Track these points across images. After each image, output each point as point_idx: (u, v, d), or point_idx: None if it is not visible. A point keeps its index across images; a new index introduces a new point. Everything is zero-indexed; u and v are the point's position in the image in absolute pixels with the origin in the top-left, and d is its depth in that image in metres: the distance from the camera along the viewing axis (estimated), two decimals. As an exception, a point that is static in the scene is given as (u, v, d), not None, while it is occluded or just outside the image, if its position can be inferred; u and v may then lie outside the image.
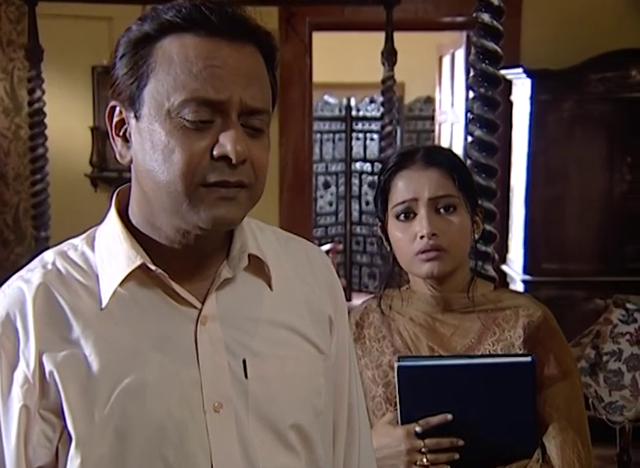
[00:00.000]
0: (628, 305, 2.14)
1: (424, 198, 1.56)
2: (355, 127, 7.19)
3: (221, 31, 0.96)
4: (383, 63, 3.75)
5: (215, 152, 0.96)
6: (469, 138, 2.06)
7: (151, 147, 0.97)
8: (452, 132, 5.17)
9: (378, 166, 7.09)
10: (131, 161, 1.02)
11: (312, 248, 1.22)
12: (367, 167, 7.20)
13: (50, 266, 1.04)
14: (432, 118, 6.36)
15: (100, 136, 4.69)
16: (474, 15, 1.99)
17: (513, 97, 4.38)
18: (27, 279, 1.03)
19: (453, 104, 5.18)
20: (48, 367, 0.98)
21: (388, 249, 1.65)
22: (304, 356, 1.11)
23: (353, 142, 7.20)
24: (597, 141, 4.26)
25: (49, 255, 1.07)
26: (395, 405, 1.54)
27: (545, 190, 4.28)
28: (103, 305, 1.01)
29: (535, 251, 4.28)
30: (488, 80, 1.99)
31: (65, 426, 0.98)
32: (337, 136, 7.18)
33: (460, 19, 4.85)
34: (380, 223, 1.66)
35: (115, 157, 1.04)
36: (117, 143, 1.03)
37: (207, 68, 0.95)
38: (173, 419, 1.00)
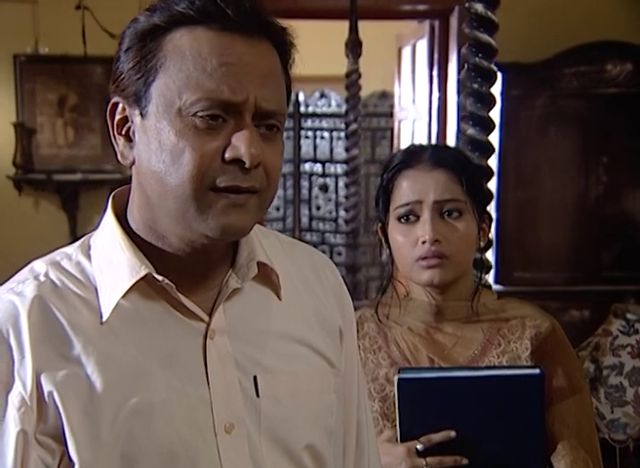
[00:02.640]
0: (629, 315, 2.21)
1: (429, 201, 1.60)
2: (304, 124, 7.22)
3: (237, 26, 0.98)
4: (347, 55, 3.79)
5: (227, 155, 0.98)
6: (461, 138, 2.11)
7: (158, 147, 0.98)
8: (413, 130, 5.24)
9: (329, 167, 7.14)
10: (133, 162, 1.03)
11: (318, 254, 1.25)
12: (317, 168, 7.23)
13: (43, 278, 1.04)
14: (389, 114, 6.43)
15: (24, 133, 4.62)
16: (466, 5, 2.04)
17: (481, 93, 4.47)
18: (19, 292, 1.03)
19: (414, 100, 5.25)
20: (47, 387, 0.98)
21: (387, 252, 1.68)
22: (316, 371, 1.14)
23: (302, 141, 7.23)
24: (571, 140, 4.38)
25: (40, 266, 1.06)
26: (393, 421, 1.57)
27: (517, 193, 4.38)
28: (104, 319, 1.02)
29: (506, 259, 4.37)
30: (482, 75, 2.04)
31: (67, 452, 0.99)
32: (284, 134, 7.18)
33: (422, 7, 4.93)
34: (380, 224, 1.69)
35: (116, 158, 1.05)
36: (119, 143, 1.04)
37: (222, 66, 0.97)
38: (182, 442, 1.01)
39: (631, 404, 2.20)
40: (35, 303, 1.01)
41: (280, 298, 1.13)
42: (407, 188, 1.62)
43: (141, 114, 1.00)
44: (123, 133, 1.03)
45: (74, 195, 4.73)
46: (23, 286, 1.03)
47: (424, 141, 4.85)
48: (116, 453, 0.99)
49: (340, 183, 6.96)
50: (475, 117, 2.03)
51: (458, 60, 4.53)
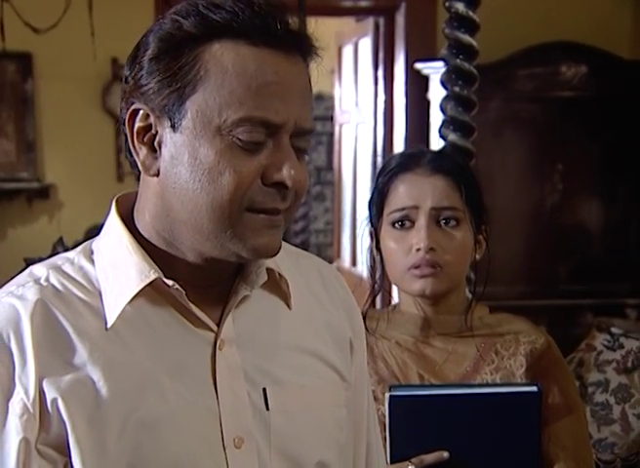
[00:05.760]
0: (613, 329, 2.29)
1: (426, 207, 1.65)
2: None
3: (280, 42, 1.01)
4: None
5: (270, 178, 1.02)
6: (441, 143, 2.17)
7: (193, 164, 1.01)
8: (357, 134, 5.31)
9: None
10: (157, 174, 1.05)
11: (324, 265, 1.30)
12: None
13: (44, 282, 1.07)
14: (327, 118, 6.49)
15: None
16: (446, 4, 2.11)
17: (431, 96, 4.54)
18: (20, 295, 1.05)
19: (357, 103, 5.32)
20: (50, 394, 1.00)
21: (379, 259, 1.72)
22: (327, 384, 1.18)
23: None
24: (526, 146, 4.48)
25: (40, 270, 1.09)
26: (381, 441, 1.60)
27: (470, 202, 4.45)
28: (110, 325, 1.04)
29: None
30: (463, 77, 2.11)
31: (70, 462, 1.01)
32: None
33: (364, 3, 5.01)
34: (372, 229, 1.73)
35: (136, 166, 1.07)
36: (140, 152, 1.06)
37: (267, 85, 1.00)
38: (190, 456, 1.04)
39: (618, 422, 2.27)
40: (38, 307, 1.03)
41: (290, 307, 1.16)
42: (403, 193, 1.67)
43: (173, 127, 1.02)
44: (145, 141, 1.05)
45: (-15, 206, 4.64)
46: (24, 289, 1.06)
47: (370, 147, 4.92)
48: (122, 464, 1.01)
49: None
50: (457, 122, 2.09)
51: (405, 61, 4.62)
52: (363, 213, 5.36)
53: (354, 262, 5.25)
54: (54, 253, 1.91)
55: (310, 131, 1.06)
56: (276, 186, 1.02)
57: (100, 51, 4.09)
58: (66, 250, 2.05)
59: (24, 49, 4.50)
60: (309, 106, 1.06)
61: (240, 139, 1.00)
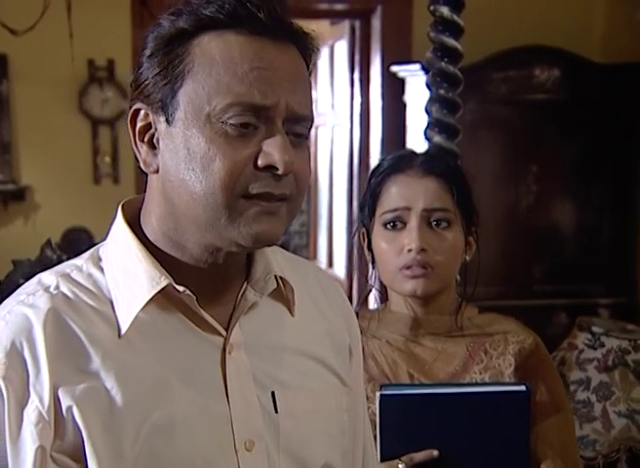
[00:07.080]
0: (594, 328, 2.33)
1: (418, 208, 1.67)
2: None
3: (267, 30, 1.03)
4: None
5: (260, 161, 1.02)
6: (427, 145, 2.19)
7: (187, 155, 1.02)
8: (333, 136, 5.33)
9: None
10: (157, 170, 1.07)
11: (321, 271, 1.33)
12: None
13: (54, 290, 1.07)
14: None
15: None
16: (431, 8, 2.13)
17: (407, 98, 4.57)
18: (31, 304, 1.05)
19: (333, 105, 5.34)
20: (65, 402, 1.01)
21: (370, 259, 1.74)
22: (330, 389, 1.20)
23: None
24: (501, 148, 4.52)
25: (49, 278, 1.09)
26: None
27: (445, 204, 4.47)
28: (123, 332, 1.05)
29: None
30: (447, 80, 2.14)
31: None
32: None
33: (340, 6, 5.02)
34: (364, 230, 1.74)
35: (139, 165, 1.08)
36: (141, 150, 1.08)
37: (253, 70, 1.02)
38: (204, 460, 1.06)
39: (599, 419, 2.31)
40: (50, 315, 1.04)
41: (293, 314, 1.18)
42: (396, 194, 1.69)
43: (168, 121, 1.04)
44: (145, 140, 1.07)
45: (-40, 208, 4.59)
46: (34, 298, 1.06)
47: (346, 149, 4.94)
48: None
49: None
50: (442, 124, 2.12)
51: (381, 63, 4.64)
52: (339, 214, 5.39)
53: (331, 264, 5.27)
54: (42, 255, 1.91)
55: (307, 117, 1.06)
56: (269, 170, 1.02)
57: (77, 53, 4.07)
58: (54, 252, 2.04)
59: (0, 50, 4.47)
60: (304, 92, 1.06)
61: (230, 125, 1.01)
